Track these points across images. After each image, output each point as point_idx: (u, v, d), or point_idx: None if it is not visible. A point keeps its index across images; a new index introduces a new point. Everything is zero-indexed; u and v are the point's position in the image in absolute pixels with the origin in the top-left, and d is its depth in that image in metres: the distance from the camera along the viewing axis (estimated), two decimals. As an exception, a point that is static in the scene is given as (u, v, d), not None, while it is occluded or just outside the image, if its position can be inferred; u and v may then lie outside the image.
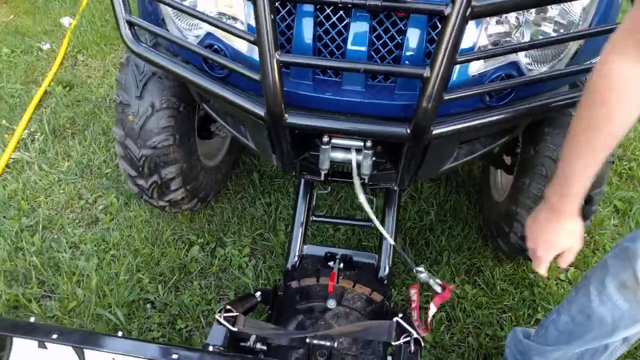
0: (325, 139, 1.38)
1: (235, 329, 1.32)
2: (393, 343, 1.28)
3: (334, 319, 1.61)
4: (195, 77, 1.29)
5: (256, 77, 1.17)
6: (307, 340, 1.43)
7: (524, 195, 1.73)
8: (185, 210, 2.18)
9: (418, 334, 1.30)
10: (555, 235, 1.06)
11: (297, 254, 1.82)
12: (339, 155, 1.45)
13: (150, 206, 2.30)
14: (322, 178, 1.67)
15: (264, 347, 1.46)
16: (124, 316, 1.84)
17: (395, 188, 1.81)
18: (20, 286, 1.96)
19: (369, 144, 1.36)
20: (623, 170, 2.56)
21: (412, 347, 1.24)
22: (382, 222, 1.84)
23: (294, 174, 1.93)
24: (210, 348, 1.25)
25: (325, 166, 1.46)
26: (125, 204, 2.35)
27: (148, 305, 1.92)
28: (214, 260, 2.08)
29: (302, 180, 1.90)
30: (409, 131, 1.19)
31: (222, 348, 1.28)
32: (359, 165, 1.44)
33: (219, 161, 2.31)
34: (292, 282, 1.75)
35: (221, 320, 1.32)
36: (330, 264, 1.76)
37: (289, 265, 1.83)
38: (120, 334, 1.27)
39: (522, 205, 1.74)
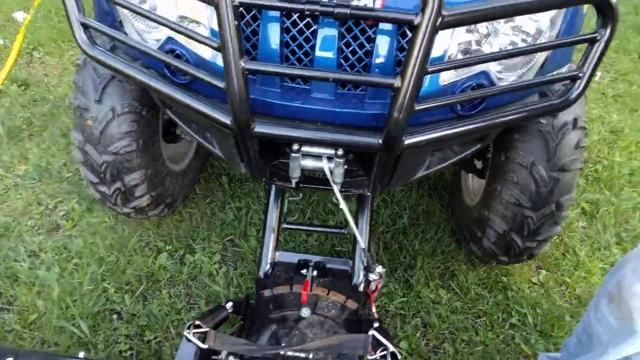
0: (295, 147, 1.34)
1: (205, 346, 1.27)
2: (369, 357, 1.26)
3: (309, 328, 1.58)
4: (158, 84, 1.22)
5: (221, 84, 1.11)
6: (282, 352, 1.40)
7: (496, 201, 1.72)
8: (151, 217, 2.10)
9: (394, 346, 1.28)
10: None
11: (269, 261, 1.78)
12: (309, 164, 1.41)
13: (114, 212, 2.22)
14: (293, 185, 1.63)
15: None
16: (88, 328, 1.76)
17: (368, 194, 1.78)
18: (-25, 299, 1.86)
19: (340, 152, 1.33)
20: (589, 173, 2.60)
21: None
22: (356, 227, 1.82)
23: (264, 180, 1.89)
24: None
25: (295, 174, 1.42)
26: (87, 209, 2.25)
27: (114, 316, 1.84)
28: (183, 268, 2.02)
29: (273, 186, 1.86)
30: (380, 142, 1.16)
31: None
32: (331, 173, 1.41)
33: (186, 165, 2.24)
34: (264, 290, 1.71)
35: (190, 337, 1.27)
36: (304, 271, 1.72)
37: (261, 273, 1.78)
38: (82, 354, 1.21)
39: (494, 211, 1.74)
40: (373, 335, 1.28)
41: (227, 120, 1.19)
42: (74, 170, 2.45)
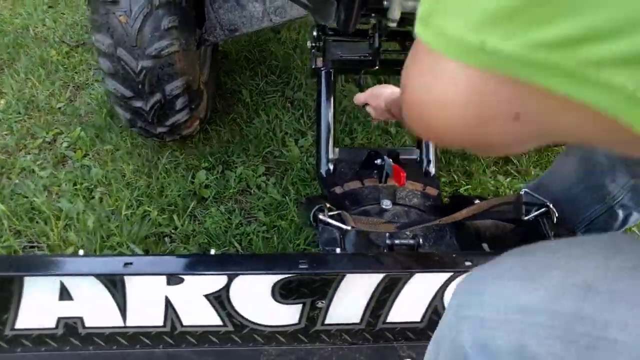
0: None
1: (349, 228, 1.12)
2: (524, 218, 1.15)
3: (394, 219, 1.46)
4: None
5: None
6: (388, 241, 1.27)
7: None
8: (184, 136, 1.83)
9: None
10: None
11: (329, 158, 1.63)
12: (410, 3, 1.25)
13: (130, 136, 1.93)
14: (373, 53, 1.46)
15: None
16: (143, 252, 1.51)
17: None
18: (-11, 242, 1.53)
19: None
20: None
21: (555, 217, 1.11)
22: None
23: (314, 66, 1.70)
24: (338, 250, 1.04)
25: (395, 15, 1.24)
26: (96, 136, 1.94)
27: (166, 239, 1.60)
28: (228, 184, 1.79)
29: (323, 74, 1.68)
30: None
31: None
32: None
33: (207, 75, 1.98)
34: (334, 188, 1.56)
35: (328, 219, 1.11)
36: (378, 161, 1.59)
37: (322, 172, 1.63)
38: (212, 251, 1.03)
39: None
40: (526, 193, 1.17)
41: None
42: (65, 100, 2.11)
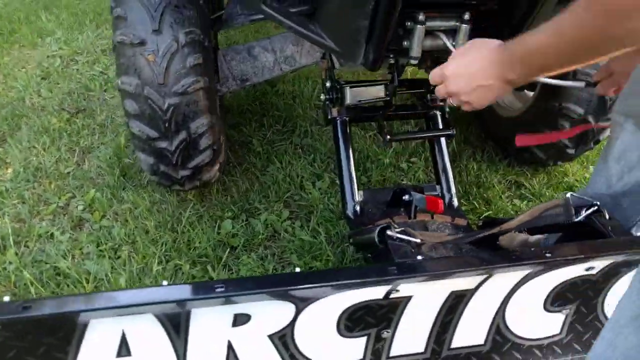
0: (421, 17, 1.25)
1: (418, 240, 1.13)
2: (575, 220, 1.18)
3: (431, 251, 1.48)
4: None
5: None
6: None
7: (568, 87, 1.76)
8: (204, 182, 1.81)
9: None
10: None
11: (355, 201, 1.64)
12: (427, 43, 1.33)
13: (147, 193, 1.90)
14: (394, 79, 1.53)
15: None
16: (184, 306, 1.45)
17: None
18: (14, 313, 1.44)
19: (466, 17, 1.27)
20: None
21: (606, 214, 1.15)
22: (435, 163, 1.75)
23: (330, 117, 1.75)
24: (419, 257, 1.06)
25: (416, 53, 1.32)
26: (112, 196, 1.90)
27: (203, 291, 1.54)
28: (255, 231, 1.77)
29: (339, 122, 1.73)
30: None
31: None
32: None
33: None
34: (366, 227, 1.58)
35: (398, 235, 1.12)
36: (405, 197, 1.61)
37: (349, 214, 1.64)
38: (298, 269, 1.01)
39: (567, 97, 1.78)
40: (572, 196, 1.21)
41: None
42: (74, 164, 2.07)
